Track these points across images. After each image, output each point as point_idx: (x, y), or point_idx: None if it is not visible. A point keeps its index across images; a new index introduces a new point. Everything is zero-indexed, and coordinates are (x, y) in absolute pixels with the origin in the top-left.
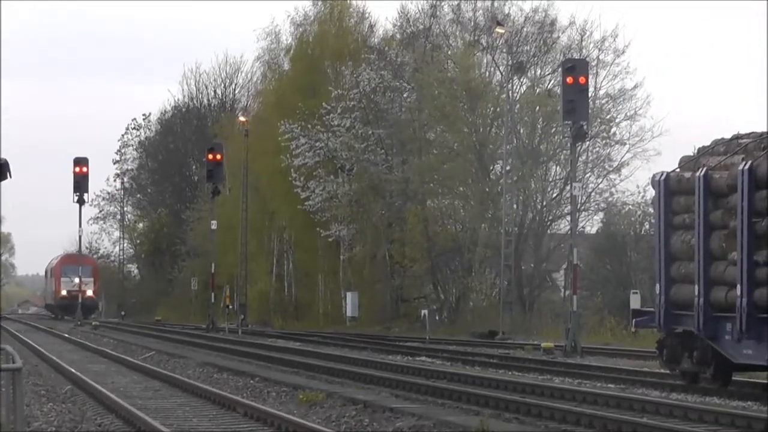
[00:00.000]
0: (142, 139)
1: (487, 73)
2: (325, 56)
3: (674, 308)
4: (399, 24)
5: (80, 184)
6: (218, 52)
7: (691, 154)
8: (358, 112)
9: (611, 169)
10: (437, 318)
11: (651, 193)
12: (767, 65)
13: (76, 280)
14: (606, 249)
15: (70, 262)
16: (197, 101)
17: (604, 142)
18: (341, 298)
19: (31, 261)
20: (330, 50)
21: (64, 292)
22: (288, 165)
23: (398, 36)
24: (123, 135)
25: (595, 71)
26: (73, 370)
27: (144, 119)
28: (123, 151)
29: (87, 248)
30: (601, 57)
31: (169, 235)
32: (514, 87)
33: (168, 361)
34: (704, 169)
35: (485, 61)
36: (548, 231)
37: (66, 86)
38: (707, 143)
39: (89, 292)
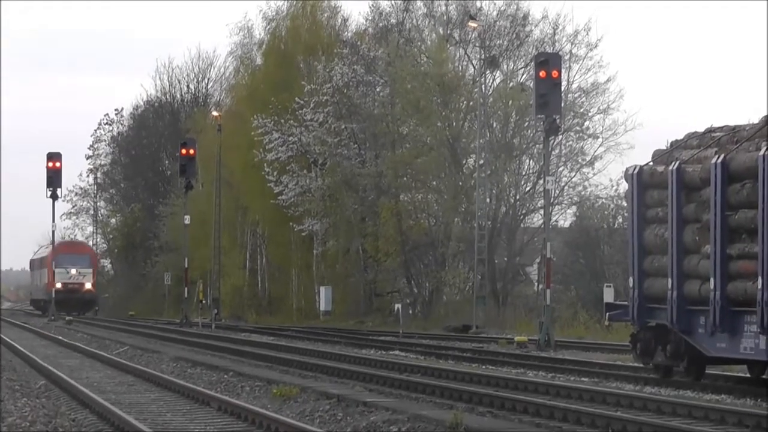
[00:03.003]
0: (115, 134)
1: (460, 67)
2: (298, 51)
3: (648, 302)
4: (372, 18)
5: (53, 179)
6: (191, 46)
7: (664, 148)
8: (330, 106)
9: (584, 162)
10: (411, 312)
11: (624, 186)
12: (766, 60)
13: (73, 271)
14: (579, 243)
15: (67, 251)
16: (170, 96)
17: (577, 135)
18: (315, 293)
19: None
20: (303, 45)
21: (59, 285)
22: (261, 160)
23: (371, 30)
24: (96, 130)
25: (567, 65)
26: (47, 365)
27: (117, 114)
28: (96, 146)
29: None
30: (573, 51)
31: (143, 230)
32: (487, 81)
33: (142, 356)
34: (677, 162)
35: (458, 55)
36: (521, 225)
37: (37, 81)
38: (680, 137)
39: (88, 285)
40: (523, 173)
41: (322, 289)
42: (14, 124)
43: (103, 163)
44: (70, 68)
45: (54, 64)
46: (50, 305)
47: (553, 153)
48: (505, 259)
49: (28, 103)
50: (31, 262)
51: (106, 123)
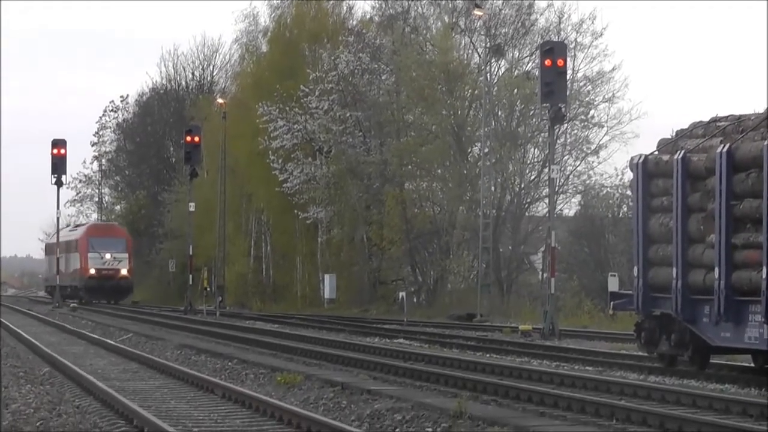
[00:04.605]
0: (120, 121)
1: (466, 56)
2: (303, 38)
3: (652, 291)
4: (377, 6)
5: (58, 165)
6: (196, 33)
7: (670, 137)
8: (336, 94)
9: (589, 151)
10: (415, 300)
11: (629, 175)
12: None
13: (108, 256)
14: (584, 232)
15: (100, 234)
16: (175, 83)
17: (582, 124)
18: (319, 281)
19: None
20: (308, 32)
21: (92, 271)
22: (266, 147)
23: (376, 18)
24: (101, 117)
25: (573, 54)
26: (51, 352)
27: (122, 101)
28: (101, 133)
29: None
30: (579, 39)
31: (147, 217)
32: (493, 69)
33: (146, 343)
34: (682, 151)
35: (463, 43)
36: (526, 213)
37: (37, 81)
38: (685, 126)
39: (124, 271)
40: (528, 162)
41: (327, 276)
42: (14, 123)
43: (107, 150)
44: (70, 68)
45: (54, 64)
46: (55, 291)
47: (558, 142)
48: (510, 247)
49: (28, 102)
50: (48, 246)
51: (112, 110)
